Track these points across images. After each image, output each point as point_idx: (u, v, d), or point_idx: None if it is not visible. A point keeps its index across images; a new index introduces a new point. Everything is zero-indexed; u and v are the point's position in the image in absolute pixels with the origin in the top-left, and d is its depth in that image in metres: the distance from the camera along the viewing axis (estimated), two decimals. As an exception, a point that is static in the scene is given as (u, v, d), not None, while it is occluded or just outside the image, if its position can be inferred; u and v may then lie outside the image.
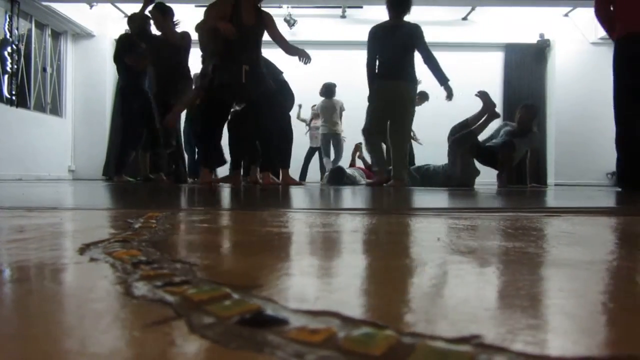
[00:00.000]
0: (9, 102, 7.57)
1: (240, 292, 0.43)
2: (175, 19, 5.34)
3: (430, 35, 10.61)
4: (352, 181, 5.81)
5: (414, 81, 4.79)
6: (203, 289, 0.44)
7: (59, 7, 8.49)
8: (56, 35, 9.21)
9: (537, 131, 5.71)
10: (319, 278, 0.55)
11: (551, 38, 9.65)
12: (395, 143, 4.81)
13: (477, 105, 5.35)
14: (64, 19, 8.80)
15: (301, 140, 7.42)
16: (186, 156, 6.26)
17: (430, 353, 0.30)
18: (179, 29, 5.33)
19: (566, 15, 9.35)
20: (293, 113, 7.79)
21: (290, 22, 9.29)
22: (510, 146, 5.21)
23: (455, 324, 0.36)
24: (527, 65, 9.77)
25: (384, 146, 5.14)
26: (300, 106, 8.08)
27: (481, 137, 5.40)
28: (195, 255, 0.66)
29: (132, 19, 5.67)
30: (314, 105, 8.41)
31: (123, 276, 0.50)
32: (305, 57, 4.42)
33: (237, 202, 2.33)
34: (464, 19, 9.74)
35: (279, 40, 4.46)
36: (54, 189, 3.41)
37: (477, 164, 5.43)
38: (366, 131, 4.92)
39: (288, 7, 9.28)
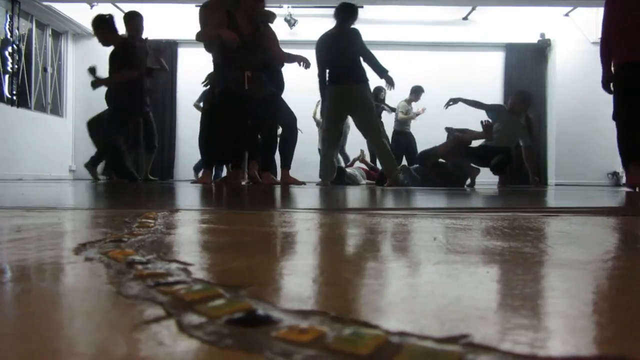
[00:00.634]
0: (10, 102, 7.58)
1: (232, 292, 0.43)
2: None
3: (430, 35, 10.57)
4: (352, 181, 5.83)
5: (365, 81, 5.00)
6: (195, 289, 0.44)
7: (59, 7, 8.50)
8: (57, 35, 9.22)
9: (532, 117, 5.67)
10: (312, 278, 0.55)
11: (552, 38, 9.64)
12: (374, 142, 5.14)
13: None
14: (64, 19, 8.81)
15: (306, 139, 7.33)
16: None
17: (418, 352, 0.30)
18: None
19: (567, 15, 9.34)
20: (310, 111, 7.76)
21: (291, 22, 9.29)
22: (506, 158, 5.27)
23: (445, 323, 0.36)
24: (527, 65, 9.76)
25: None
26: (318, 103, 7.99)
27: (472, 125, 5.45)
28: (190, 255, 0.67)
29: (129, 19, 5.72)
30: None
31: (116, 276, 0.50)
32: (304, 62, 4.53)
33: (237, 202, 2.33)
34: (465, 18, 9.73)
35: (276, 57, 4.54)
36: (54, 189, 3.41)
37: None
38: (326, 131, 5.16)
39: (288, 7, 9.28)
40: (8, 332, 0.34)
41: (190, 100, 7.88)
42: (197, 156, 6.46)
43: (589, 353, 0.31)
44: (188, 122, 9.09)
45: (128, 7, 9.32)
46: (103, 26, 5.32)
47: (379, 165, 6.00)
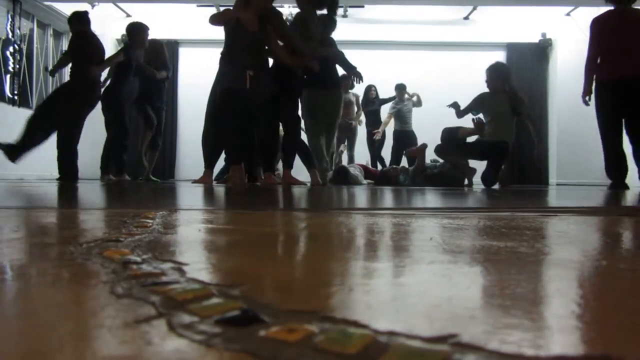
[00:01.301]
0: (11, 101, 7.59)
1: (225, 292, 0.43)
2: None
3: (431, 34, 10.56)
4: (354, 181, 5.83)
5: (340, 87, 5.20)
6: (187, 288, 0.44)
7: (60, 6, 8.51)
8: (58, 35, 9.23)
9: (515, 86, 5.44)
10: (304, 277, 0.55)
11: (553, 37, 9.64)
12: (328, 144, 5.24)
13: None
14: (65, 19, 8.81)
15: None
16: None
17: (405, 351, 0.30)
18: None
19: (568, 14, 9.33)
20: None
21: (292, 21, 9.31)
22: (504, 149, 5.24)
23: (435, 323, 0.36)
24: (528, 64, 9.76)
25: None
26: None
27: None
28: (185, 255, 0.67)
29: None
30: None
31: (110, 275, 0.50)
32: (309, 66, 4.63)
33: (236, 202, 2.33)
34: (466, 18, 9.73)
35: (280, 60, 4.53)
36: (54, 189, 3.42)
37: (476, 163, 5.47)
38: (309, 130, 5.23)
39: (289, 7, 9.29)
40: (-1, 332, 0.34)
41: (190, 100, 7.91)
42: (196, 156, 6.47)
43: (575, 352, 0.31)
44: (188, 122, 9.10)
45: (128, 7, 9.37)
46: (74, 20, 5.60)
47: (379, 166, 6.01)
